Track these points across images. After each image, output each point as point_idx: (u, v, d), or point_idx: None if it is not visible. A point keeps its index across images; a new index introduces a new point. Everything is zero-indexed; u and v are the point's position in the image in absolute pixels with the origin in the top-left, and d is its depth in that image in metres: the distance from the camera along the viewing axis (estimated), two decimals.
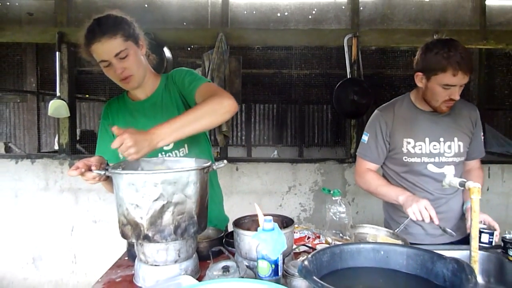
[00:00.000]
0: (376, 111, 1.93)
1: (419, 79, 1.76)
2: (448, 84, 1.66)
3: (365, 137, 1.91)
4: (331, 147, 7.50)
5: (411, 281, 1.13)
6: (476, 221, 1.28)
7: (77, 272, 3.47)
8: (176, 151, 1.64)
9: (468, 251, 1.31)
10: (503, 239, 1.55)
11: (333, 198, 1.51)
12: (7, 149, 4.76)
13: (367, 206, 3.41)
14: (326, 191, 1.54)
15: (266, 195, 3.46)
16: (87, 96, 6.27)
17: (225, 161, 1.40)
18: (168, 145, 1.52)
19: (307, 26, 3.49)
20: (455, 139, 1.84)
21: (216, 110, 1.37)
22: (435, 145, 1.82)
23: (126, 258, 1.60)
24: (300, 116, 6.30)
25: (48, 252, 3.45)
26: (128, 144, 1.21)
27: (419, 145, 1.82)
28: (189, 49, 4.19)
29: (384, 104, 1.95)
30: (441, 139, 1.82)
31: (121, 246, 1.68)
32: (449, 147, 1.83)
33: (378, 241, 1.62)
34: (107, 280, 1.40)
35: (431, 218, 1.60)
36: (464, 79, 1.65)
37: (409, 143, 1.82)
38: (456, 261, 1.04)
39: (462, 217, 1.91)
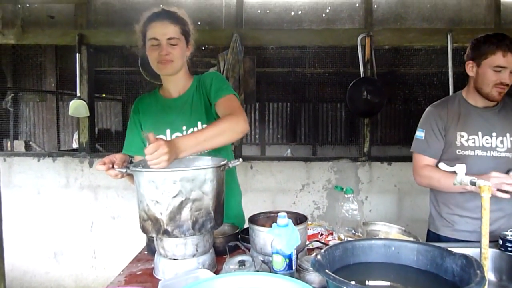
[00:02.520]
0: (429, 107, 1.97)
1: (470, 68, 1.84)
2: (499, 66, 1.74)
3: (420, 133, 1.93)
4: (344, 146, 7.47)
5: (421, 276, 1.15)
6: (486, 218, 1.30)
7: (97, 266, 3.56)
8: None
9: (478, 249, 1.33)
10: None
11: (346, 196, 1.54)
12: (28, 147, 4.88)
13: (380, 204, 3.42)
14: (338, 189, 1.58)
15: (280, 193, 3.50)
16: (104, 95, 6.39)
17: (240, 159, 1.44)
18: None
19: (321, 26, 3.51)
20: (508, 134, 1.87)
21: (233, 129, 1.47)
22: (487, 139, 1.85)
23: (146, 252, 1.66)
24: (314, 115, 6.31)
25: (68, 247, 3.56)
26: (163, 151, 1.24)
27: (472, 139, 1.86)
28: (203, 48, 4.24)
29: (436, 102, 2.00)
30: (494, 134, 1.86)
31: (139, 242, 1.74)
32: (501, 142, 1.86)
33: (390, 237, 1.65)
34: (128, 273, 1.46)
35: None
36: None
37: (462, 136, 1.86)
38: (465, 257, 1.07)
39: None
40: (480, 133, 1.86)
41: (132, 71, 4.70)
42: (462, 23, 3.44)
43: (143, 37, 1.63)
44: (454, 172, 1.52)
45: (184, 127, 1.67)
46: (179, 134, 1.67)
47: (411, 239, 1.60)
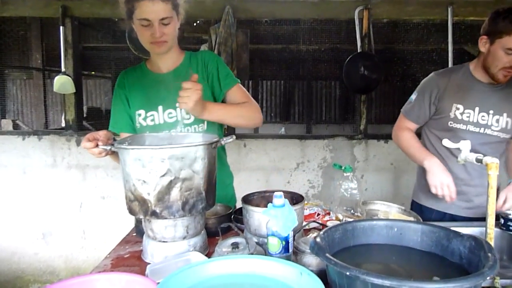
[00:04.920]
0: (432, 74, 1.93)
1: (483, 43, 1.76)
2: (511, 49, 1.65)
3: (413, 96, 1.93)
4: (339, 124, 7.42)
5: (425, 259, 1.10)
6: (493, 197, 1.24)
7: (87, 247, 3.51)
8: (196, 126, 1.62)
9: (479, 228, 1.28)
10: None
11: (345, 174, 1.47)
12: (15, 126, 4.76)
13: (376, 183, 3.38)
14: (337, 166, 1.50)
15: (274, 172, 3.44)
16: (93, 73, 6.22)
17: (233, 136, 1.37)
18: (189, 118, 1.59)
19: None
20: (505, 114, 1.83)
21: (252, 118, 1.61)
22: (483, 116, 1.82)
23: (134, 234, 1.60)
24: (308, 93, 6.21)
25: (57, 227, 3.49)
26: (197, 90, 1.33)
27: (468, 113, 1.82)
28: (195, 24, 4.09)
29: (441, 70, 1.96)
30: (491, 112, 1.82)
31: (130, 222, 1.67)
32: (497, 121, 1.83)
33: (389, 217, 1.59)
34: (115, 256, 1.40)
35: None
36: None
37: (458, 108, 1.83)
38: (474, 238, 1.01)
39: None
40: (477, 109, 1.82)
41: (121, 47, 4.54)
42: None
43: (129, 13, 1.51)
44: (458, 149, 1.47)
45: (178, 104, 1.56)
46: (172, 111, 1.61)
47: (412, 218, 1.54)
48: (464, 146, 1.46)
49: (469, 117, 1.82)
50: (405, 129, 1.93)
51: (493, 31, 1.70)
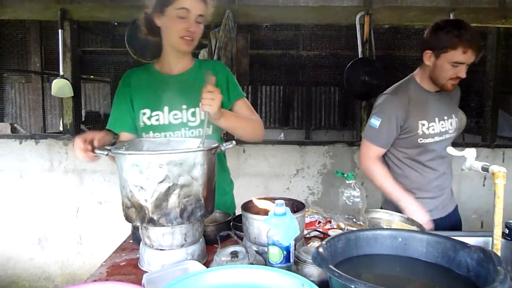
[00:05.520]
0: (388, 96, 1.89)
1: (428, 57, 1.79)
2: (457, 62, 1.71)
3: (375, 122, 1.85)
4: (338, 130, 7.39)
5: (431, 270, 1.06)
6: (499, 207, 1.21)
7: (83, 253, 3.46)
8: (200, 129, 1.60)
9: (484, 239, 1.25)
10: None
11: (347, 182, 1.44)
12: (13, 130, 4.73)
13: (377, 190, 3.31)
14: (339, 174, 1.47)
15: (273, 178, 3.40)
16: (92, 77, 6.18)
17: (234, 142, 1.34)
18: (194, 120, 1.60)
19: (318, 3, 3.36)
20: (453, 115, 1.95)
21: (257, 132, 1.64)
22: (442, 124, 1.89)
23: (131, 241, 1.56)
24: (307, 98, 6.18)
25: (53, 233, 3.44)
26: (219, 95, 1.34)
27: (432, 126, 1.87)
28: None
29: (393, 89, 1.93)
30: (445, 117, 1.91)
31: (127, 228, 1.63)
32: (451, 124, 1.93)
33: (392, 226, 1.56)
34: (111, 263, 1.36)
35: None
36: (472, 57, 1.72)
37: (423, 125, 1.85)
38: (482, 250, 0.97)
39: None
40: (437, 119, 1.88)
41: (120, 51, 4.51)
42: (465, 2, 3.32)
43: (164, 5, 1.50)
44: (463, 157, 1.44)
45: (184, 106, 1.60)
46: (178, 112, 1.60)
47: (415, 228, 1.51)
48: (469, 154, 1.44)
49: (434, 129, 1.87)
50: (375, 160, 1.88)
51: (437, 46, 1.74)
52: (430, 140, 1.86)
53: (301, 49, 4.38)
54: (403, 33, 3.57)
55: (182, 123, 1.59)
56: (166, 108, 1.60)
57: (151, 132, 1.60)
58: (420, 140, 1.85)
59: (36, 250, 3.46)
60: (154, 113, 1.60)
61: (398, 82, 1.96)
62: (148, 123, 1.60)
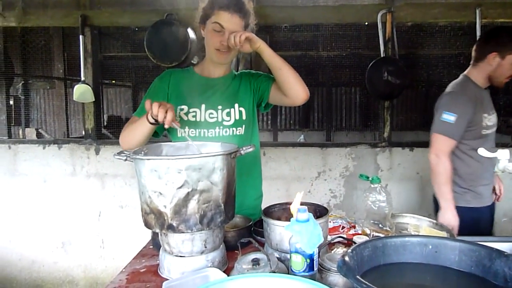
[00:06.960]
0: (456, 93, 2.06)
1: (492, 58, 2.00)
2: None
3: (450, 117, 1.99)
4: (359, 131, 7.26)
5: (464, 280, 1.00)
6: None
7: (105, 256, 3.48)
8: (234, 128, 1.67)
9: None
10: None
11: (372, 186, 1.38)
12: (38, 135, 4.82)
13: (402, 193, 3.24)
14: (364, 177, 1.41)
15: (295, 181, 3.35)
16: (113, 81, 6.26)
17: (254, 145, 1.30)
18: (229, 120, 1.66)
19: (338, 2, 3.29)
20: (494, 109, 2.17)
21: (303, 86, 1.60)
22: (494, 116, 2.13)
23: (151, 246, 1.54)
24: (328, 99, 6.10)
25: (76, 236, 3.48)
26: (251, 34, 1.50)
27: (490, 118, 2.09)
28: None
29: (456, 87, 2.10)
30: (492, 111, 2.13)
31: (148, 232, 1.62)
32: (495, 116, 2.14)
33: (420, 231, 1.49)
34: (131, 270, 1.34)
35: None
36: None
37: (485, 117, 2.06)
38: None
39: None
40: (491, 112, 2.11)
41: (140, 56, 4.54)
42: None
43: (205, 18, 1.62)
44: (496, 158, 1.39)
45: (220, 107, 1.67)
46: (213, 112, 1.66)
47: (444, 233, 1.43)
48: (503, 155, 1.38)
49: (492, 121, 2.09)
50: (447, 155, 2.01)
51: (504, 48, 1.98)
52: (489, 131, 2.07)
53: (321, 50, 4.29)
54: (427, 31, 3.45)
55: (217, 122, 1.65)
56: (203, 106, 1.66)
57: (186, 127, 1.63)
58: (484, 131, 2.05)
59: (60, 254, 3.51)
60: (191, 110, 1.65)
61: (454, 81, 2.14)
62: (185, 118, 1.64)
